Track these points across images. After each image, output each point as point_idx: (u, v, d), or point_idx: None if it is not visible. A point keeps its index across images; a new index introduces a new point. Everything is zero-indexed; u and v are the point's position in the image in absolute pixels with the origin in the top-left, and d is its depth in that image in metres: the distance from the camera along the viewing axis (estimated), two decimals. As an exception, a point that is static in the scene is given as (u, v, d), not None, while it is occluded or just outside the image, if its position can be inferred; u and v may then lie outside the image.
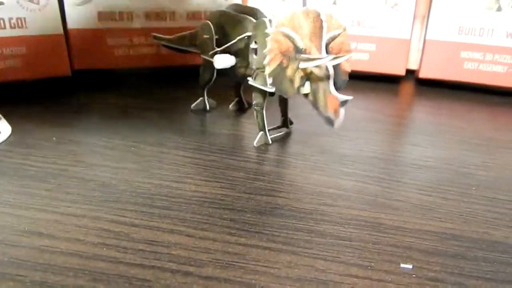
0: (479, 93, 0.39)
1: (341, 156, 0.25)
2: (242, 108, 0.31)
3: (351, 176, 0.22)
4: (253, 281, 0.15)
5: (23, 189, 0.20)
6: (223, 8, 0.28)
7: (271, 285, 0.15)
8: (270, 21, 0.24)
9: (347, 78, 0.23)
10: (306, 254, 0.16)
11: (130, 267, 0.15)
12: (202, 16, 0.38)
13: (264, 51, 0.22)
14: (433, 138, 0.29)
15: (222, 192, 0.20)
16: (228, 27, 0.26)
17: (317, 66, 0.21)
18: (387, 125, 0.31)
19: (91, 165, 0.22)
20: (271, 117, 0.28)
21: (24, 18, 0.32)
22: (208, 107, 0.31)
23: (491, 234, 0.18)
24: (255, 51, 0.24)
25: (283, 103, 0.27)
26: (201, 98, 0.31)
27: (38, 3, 0.32)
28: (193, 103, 0.31)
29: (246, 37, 0.25)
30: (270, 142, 0.26)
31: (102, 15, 0.36)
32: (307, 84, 0.22)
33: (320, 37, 0.21)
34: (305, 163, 0.24)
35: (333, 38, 0.22)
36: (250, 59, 0.25)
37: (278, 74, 0.22)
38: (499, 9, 0.37)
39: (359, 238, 0.17)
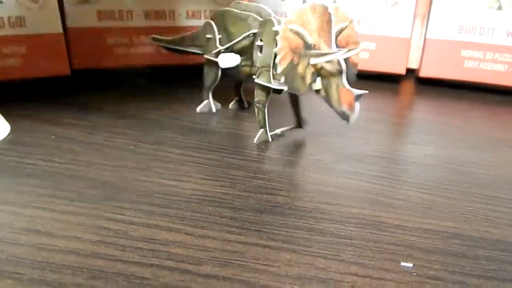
0: (479, 92, 0.38)
1: (341, 155, 0.25)
2: (242, 108, 0.31)
3: (352, 175, 0.22)
4: (253, 279, 0.15)
5: (21, 187, 0.20)
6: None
7: (270, 283, 0.15)
8: (278, 20, 0.24)
9: (356, 70, 0.23)
10: (306, 253, 0.16)
11: (128, 265, 0.15)
12: (202, 15, 0.38)
13: (275, 50, 0.22)
14: (433, 137, 0.28)
15: (222, 190, 0.20)
16: (232, 25, 0.26)
17: (328, 61, 0.21)
18: (388, 124, 0.31)
19: (90, 163, 0.22)
20: (279, 116, 0.28)
21: (24, 17, 0.32)
22: (214, 110, 0.30)
23: (492, 232, 0.18)
24: (260, 48, 0.24)
25: (295, 102, 0.27)
26: (206, 101, 0.30)
27: (37, 2, 0.32)
28: (192, 101, 0.31)
29: (251, 35, 0.25)
30: (270, 139, 0.26)
31: (101, 14, 0.36)
32: (318, 79, 0.22)
33: (329, 31, 0.21)
34: (305, 161, 0.24)
35: (340, 31, 0.22)
36: (254, 57, 0.25)
37: (289, 72, 0.22)
38: (499, 8, 0.37)
39: (360, 236, 0.17)
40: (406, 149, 0.27)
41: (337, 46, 0.22)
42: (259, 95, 0.25)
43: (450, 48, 0.38)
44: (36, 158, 0.22)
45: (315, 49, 0.21)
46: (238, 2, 0.28)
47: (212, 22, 0.27)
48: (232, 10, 0.27)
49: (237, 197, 0.19)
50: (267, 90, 0.25)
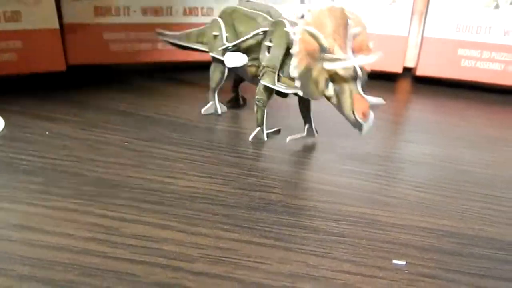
0: (476, 90, 0.38)
1: (338, 153, 0.25)
2: (238, 105, 0.31)
3: (348, 173, 0.22)
4: (244, 276, 0.15)
5: (14, 183, 0.19)
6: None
7: (262, 280, 0.14)
8: (290, 21, 0.23)
9: (366, 75, 0.22)
10: (298, 250, 0.16)
11: (119, 262, 0.15)
12: (199, 12, 0.38)
13: (292, 51, 0.21)
14: (430, 136, 0.28)
15: (216, 188, 0.20)
16: (240, 24, 0.25)
17: (343, 67, 0.20)
18: (384, 123, 0.30)
19: (84, 159, 0.22)
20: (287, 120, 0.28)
21: (20, 12, 0.32)
22: (219, 112, 0.29)
23: (487, 231, 0.18)
24: (268, 49, 0.23)
25: (306, 107, 0.25)
26: (212, 102, 0.29)
27: (33, -3, 0.32)
28: (188, 99, 0.31)
29: (261, 33, 0.24)
30: (266, 139, 0.25)
31: (98, 10, 0.35)
32: (331, 85, 0.21)
33: (345, 35, 0.21)
34: (301, 160, 0.24)
35: (354, 37, 0.21)
36: (260, 57, 0.24)
37: (305, 76, 0.21)
38: (497, 6, 0.37)
39: (353, 234, 0.17)
40: (402, 147, 0.27)
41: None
42: (260, 94, 0.24)
43: (447, 47, 0.38)
44: (30, 154, 0.22)
45: (329, 53, 0.20)
46: (248, 1, 0.27)
47: (220, 20, 0.27)
48: (241, 9, 0.26)
49: (231, 195, 0.19)
50: (270, 90, 0.24)
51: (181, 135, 0.26)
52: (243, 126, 0.28)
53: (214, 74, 0.28)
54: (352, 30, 0.21)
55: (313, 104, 0.25)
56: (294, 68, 0.21)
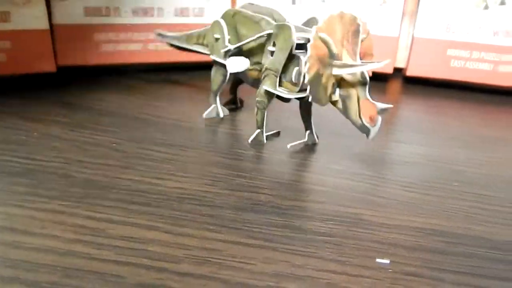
0: (466, 91, 0.39)
1: (328, 154, 0.25)
2: (235, 107, 0.30)
3: (338, 174, 0.22)
4: (229, 277, 0.15)
5: (1, 185, 0.19)
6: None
7: (247, 280, 0.14)
8: (298, 26, 0.23)
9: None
10: (284, 250, 0.16)
11: (104, 264, 0.15)
12: (190, 12, 0.38)
13: (304, 58, 0.21)
14: (421, 136, 0.29)
15: (204, 188, 0.20)
16: (243, 27, 0.25)
17: (351, 73, 0.20)
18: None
19: (72, 161, 0.22)
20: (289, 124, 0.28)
21: (9, 12, 0.32)
22: (221, 115, 0.29)
23: (474, 230, 0.18)
24: (271, 53, 0.23)
25: (306, 112, 0.25)
26: (213, 106, 0.28)
27: (23, -3, 0.32)
28: (179, 100, 0.31)
29: (265, 36, 0.24)
30: (265, 141, 0.25)
31: (88, 10, 0.35)
32: (337, 90, 0.21)
33: (355, 42, 0.21)
34: (291, 160, 0.24)
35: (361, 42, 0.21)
36: (263, 61, 0.24)
37: (315, 81, 0.21)
38: (486, 7, 0.37)
39: (340, 234, 0.17)
40: (393, 147, 0.27)
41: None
42: (261, 96, 0.24)
43: (437, 47, 0.38)
44: (17, 156, 0.22)
45: (337, 59, 0.20)
46: (251, 4, 0.27)
47: (222, 21, 0.26)
48: (244, 11, 0.26)
49: (218, 195, 0.19)
50: (270, 93, 0.24)
51: (172, 136, 0.26)
52: (239, 128, 0.28)
53: (216, 77, 0.27)
54: (361, 36, 0.21)
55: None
56: (305, 73, 0.21)
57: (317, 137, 0.26)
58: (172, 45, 0.31)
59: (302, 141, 0.25)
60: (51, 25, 0.34)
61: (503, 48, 0.37)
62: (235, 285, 0.14)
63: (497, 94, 0.38)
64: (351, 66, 0.20)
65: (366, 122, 0.21)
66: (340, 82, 0.21)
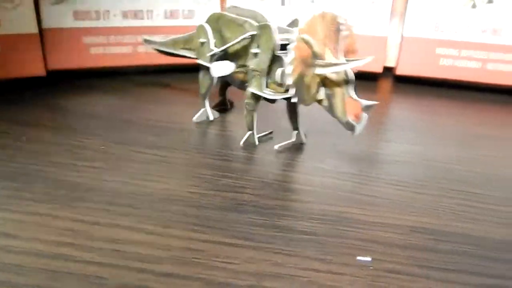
0: (455, 89, 0.39)
1: (315, 153, 0.25)
2: (225, 109, 0.31)
3: (325, 173, 0.22)
4: (212, 277, 0.15)
5: (-13, 189, 0.19)
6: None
7: (228, 280, 0.15)
8: (280, 27, 0.23)
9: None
10: (267, 249, 0.16)
11: (87, 265, 0.15)
12: (180, 15, 0.38)
13: (287, 60, 0.21)
14: (410, 134, 0.29)
15: (189, 189, 0.20)
16: (227, 30, 0.25)
17: (335, 71, 0.20)
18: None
19: (59, 164, 0.22)
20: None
21: (-2, 17, 0.32)
22: (211, 118, 0.29)
23: (461, 227, 0.19)
24: (255, 55, 0.23)
25: (293, 113, 0.25)
26: (203, 109, 0.28)
27: (12, 2, 0.32)
28: (167, 102, 0.31)
29: (249, 37, 0.24)
30: (257, 143, 0.25)
31: (78, 14, 0.35)
32: (322, 89, 0.21)
33: (337, 40, 0.21)
34: (278, 160, 0.24)
35: (343, 40, 0.21)
36: (247, 63, 0.24)
37: (298, 82, 0.21)
38: (474, 6, 0.37)
39: (324, 233, 0.18)
40: (382, 146, 0.27)
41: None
42: (248, 98, 0.24)
43: (426, 46, 0.38)
44: (5, 160, 0.22)
45: (321, 59, 0.21)
46: (234, 7, 0.27)
47: (206, 25, 0.26)
48: (228, 15, 0.26)
49: (204, 196, 0.20)
50: (257, 95, 0.24)
51: (161, 138, 0.26)
52: (228, 129, 0.28)
53: (203, 81, 0.28)
54: (343, 34, 0.21)
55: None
56: (289, 75, 0.21)
57: (306, 136, 0.26)
58: (159, 51, 0.32)
59: (289, 141, 0.25)
60: (40, 29, 0.34)
61: (491, 46, 0.37)
62: (217, 285, 0.14)
63: (486, 92, 0.39)
64: (334, 65, 0.20)
65: (351, 119, 0.21)
66: (325, 81, 0.21)
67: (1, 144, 0.24)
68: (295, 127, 0.26)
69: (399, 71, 0.39)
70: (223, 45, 0.25)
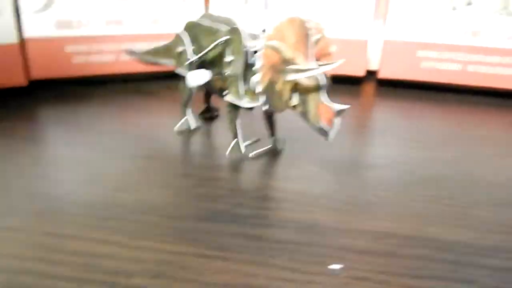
0: (437, 91, 0.39)
1: (297, 159, 0.25)
2: (211, 117, 0.30)
3: (299, 179, 0.23)
4: (181, 289, 0.15)
5: (-39, 204, 0.19)
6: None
7: (197, 292, 0.15)
8: (251, 34, 0.23)
9: (328, 80, 0.22)
10: (238, 260, 0.16)
11: (57, 280, 0.15)
12: (163, 22, 0.38)
13: (254, 68, 0.21)
14: (390, 138, 0.29)
15: (166, 199, 0.20)
16: (203, 37, 0.26)
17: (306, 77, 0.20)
18: (345, 127, 0.31)
19: (37, 177, 0.22)
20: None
21: (-22, 28, 0.32)
22: (193, 127, 0.28)
23: (425, 231, 0.19)
24: (230, 63, 0.24)
25: (270, 120, 0.25)
26: (185, 117, 0.28)
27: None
28: (149, 111, 0.31)
29: (223, 42, 0.24)
30: (244, 151, 0.25)
31: (60, 23, 0.35)
32: (295, 95, 0.21)
33: (306, 45, 0.21)
34: (257, 168, 0.24)
35: (315, 43, 0.21)
36: (224, 70, 0.24)
37: (269, 89, 0.21)
38: (454, 8, 0.38)
39: (295, 240, 0.18)
40: (363, 151, 0.27)
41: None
42: (228, 105, 0.24)
43: (407, 49, 0.39)
44: (-19, 173, 0.22)
45: (292, 64, 0.21)
46: (209, 14, 0.27)
47: (183, 34, 0.27)
48: (203, 23, 0.26)
49: (178, 206, 0.20)
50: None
51: (142, 147, 0.26)
52: (210, 137, 0.28)
53: (184, 90, 0.28)
54: (313, 38, 0.21)
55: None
56: (258, 83, 0.21)
57: (284, 142, 0.26)
58: (142, 60, 0.32)
59: (265, 148, 0.25)
60: (21, 39, 0.34)
61: (471, 48, 0.38)
62: (186, 297, 0.15)
63: (467, 94, 0.39)
64: (306, 70, 0.20)
65: (324, 125, 0.21)
66: (297, 87, 0.21)
67: (-21, 157, 0.24)
68: (272, 133, 0.26)
69: (381, 75, 0.40)
70: (200, 53, 0.25)
